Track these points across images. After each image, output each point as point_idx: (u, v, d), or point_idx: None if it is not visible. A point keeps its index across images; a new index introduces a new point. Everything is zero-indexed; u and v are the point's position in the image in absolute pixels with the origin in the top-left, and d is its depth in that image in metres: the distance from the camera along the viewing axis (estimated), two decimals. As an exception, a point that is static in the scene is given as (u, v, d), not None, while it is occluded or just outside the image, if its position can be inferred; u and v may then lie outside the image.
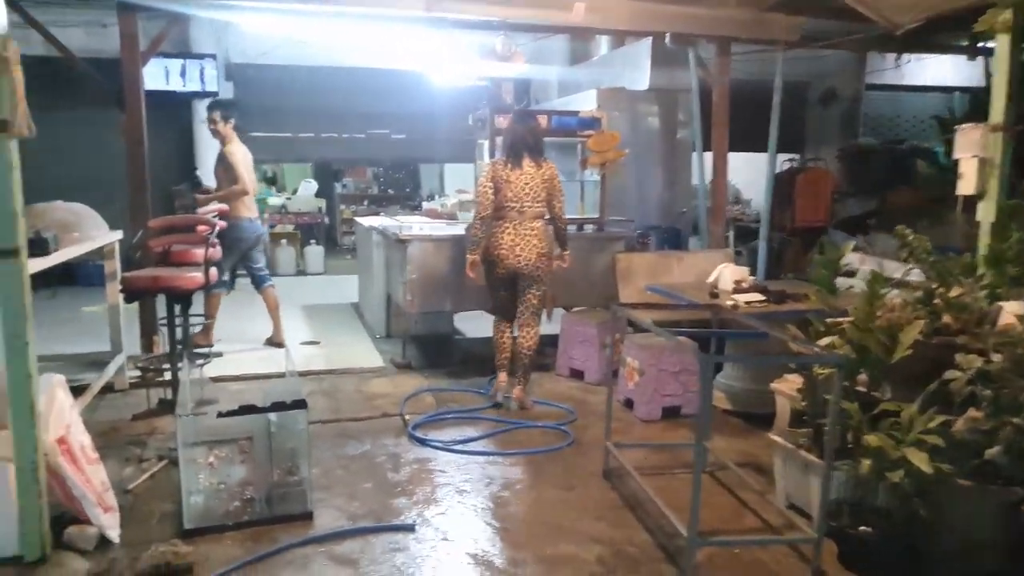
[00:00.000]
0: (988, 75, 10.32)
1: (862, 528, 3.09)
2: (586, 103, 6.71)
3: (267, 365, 5.63)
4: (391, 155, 11.02)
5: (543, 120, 5.72)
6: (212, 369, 5.23)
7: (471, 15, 5.30)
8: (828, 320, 3.46)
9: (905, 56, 10.64)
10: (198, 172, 9.58)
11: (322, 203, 11.75)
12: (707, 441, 3.82)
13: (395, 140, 10.41)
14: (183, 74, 9.19)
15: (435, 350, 6.19)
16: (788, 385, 4.03)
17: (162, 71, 9.10)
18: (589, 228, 6.12)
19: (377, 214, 14.26)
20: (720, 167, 6.30)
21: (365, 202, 14.83)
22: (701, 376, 2.79)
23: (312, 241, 11.24)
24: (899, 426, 3.04)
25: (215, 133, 6.13)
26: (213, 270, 4.78)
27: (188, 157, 9.66)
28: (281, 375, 5.37)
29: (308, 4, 5.16)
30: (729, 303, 4.27)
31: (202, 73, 9.24)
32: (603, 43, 7.95)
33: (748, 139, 6.93)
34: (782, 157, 10.07)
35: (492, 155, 5.67)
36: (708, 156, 6.57)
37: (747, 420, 4.59)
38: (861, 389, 3.36)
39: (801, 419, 4.02)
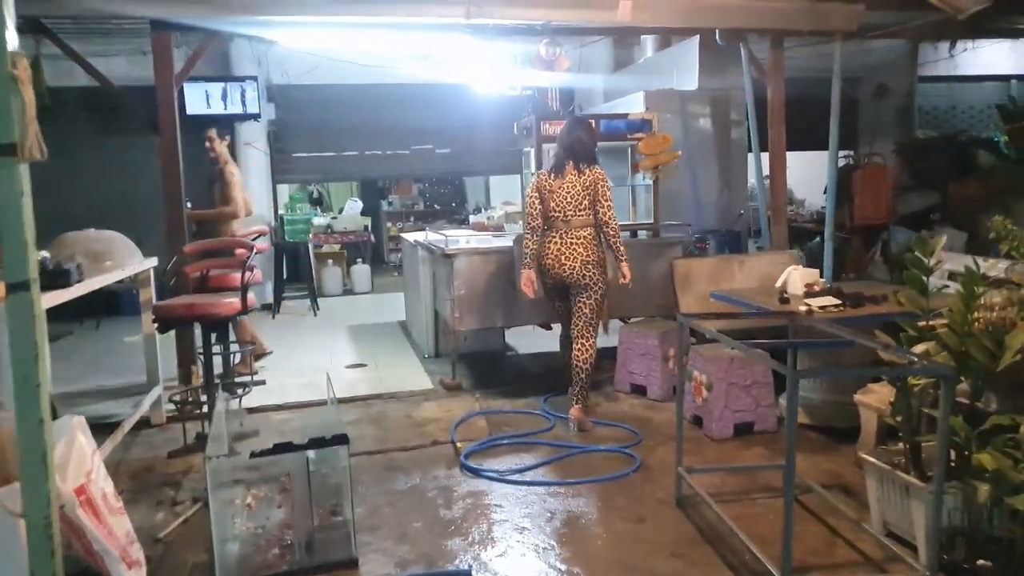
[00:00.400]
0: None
1: (980, 562, 2.72)
2: (634, 106, 6.42)
3: (311, 392, 5.44)
4: (436, 170, 10.87)
5: (593, 124, 5.45)
6: (253, 398, 5.07)
7: (513, 19, 5.06)
8: (920, 324, 3.09)
9: (960, 45, 10.15)
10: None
11: (368, 221, 11.65)
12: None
13: (439, 155, 10.24)
14: (224, 97, 9.16)
15: (486, 369, 5.94)
16: (875, 397, 3.66)
17: (203, 95, 9.09)
18: (643, 234, 5.82)
19: (423, 230, 14.26)
20: (778, 166, 5.93)
21: (411, 218, 14.72)
22: (789, 391, 2.46)
23: (358, 260, 11.13)
24: (1016, 443, 2.67)
25: (212, 152, 6.00)
26: (252, 295, 4.60)
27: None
28: (325, 403, 5.19)
29: (346, 16, 4.97)
30: (802, 308, 3.91)
31: (243, 95, 9.20)
32: (648, 46, 7.64)
33: (799, 137, 6.56)
34: (839, 154, 9.66)
35: (539, 164, 5.41)
36: (764, 156, 6.22)
37: (827, 435, 4.21)
38: (962, 400, 2.98)
39: (892, 434, 3.66)
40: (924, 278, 2.93)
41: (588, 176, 4.46)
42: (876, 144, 10.22)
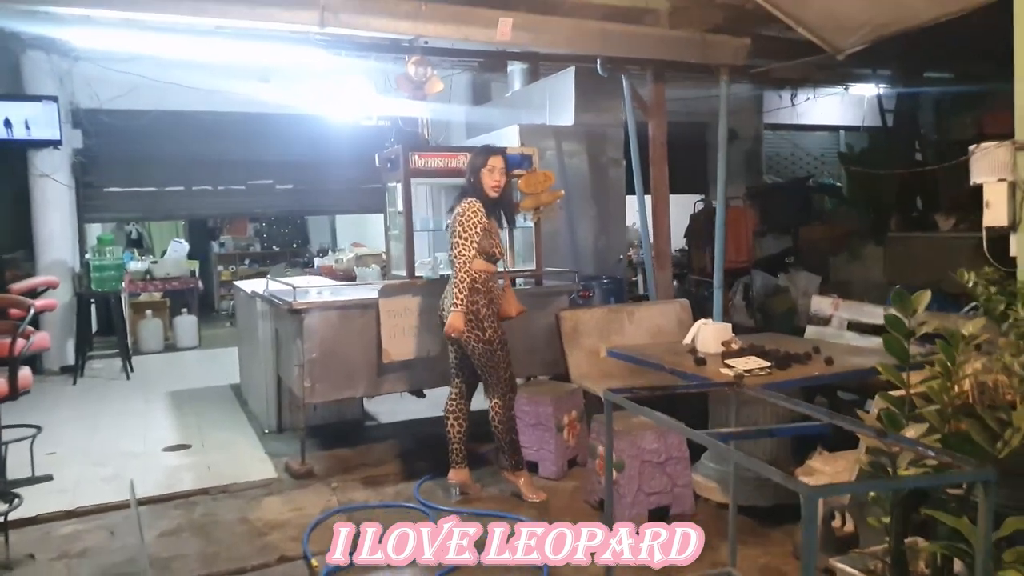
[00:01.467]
0: (883, 112, 10.39)
1: None
2: (506, 141, 5.79)
3: (116, 489, 4.26)
4: (276, 207, 9.72)
5: (464, 159, 4.74)
6: (34, 503, 3.85)
7: (376, 31, 4.27)
8: (889, 394, 2.58)
9: (802, 95, 10.56)
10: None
11: (195, 265, 10.26)
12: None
13: (281, 191, 9.15)
14: (7, 123, 7.62)
15: (343, 446, 4.98)
16: (821, 477, 3.14)
17: (-15, 116, 7.54)
18: (521, 281, 5.15)
19: (261, 275, 12.90)
20: (661, 209, 5.50)
21: (246, 261, 13.36)
22: (806, 514, 1.81)
23: (184, 310, 9.71)
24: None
25: None
26: (26, 372, 3.44)
27: (24, 218, 8.05)
28: (140, 503, 4.04)
29: (161, 14, 3.96)
30: (725, 371, 3.35)
31: (37, 120, 7.72)
32: (516, 79, 7.10)
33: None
34: (694, 198, 9.62)
35: (408, 201, 4.62)
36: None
37: (751, 516, 3.65)
38: (953, 491, 2.49)
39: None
40: (905, 343, 2.42)
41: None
42: (727, 189, 10.26)
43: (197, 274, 10.18)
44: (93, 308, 8.22)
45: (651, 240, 5.58)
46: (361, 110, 6.50)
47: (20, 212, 8.05)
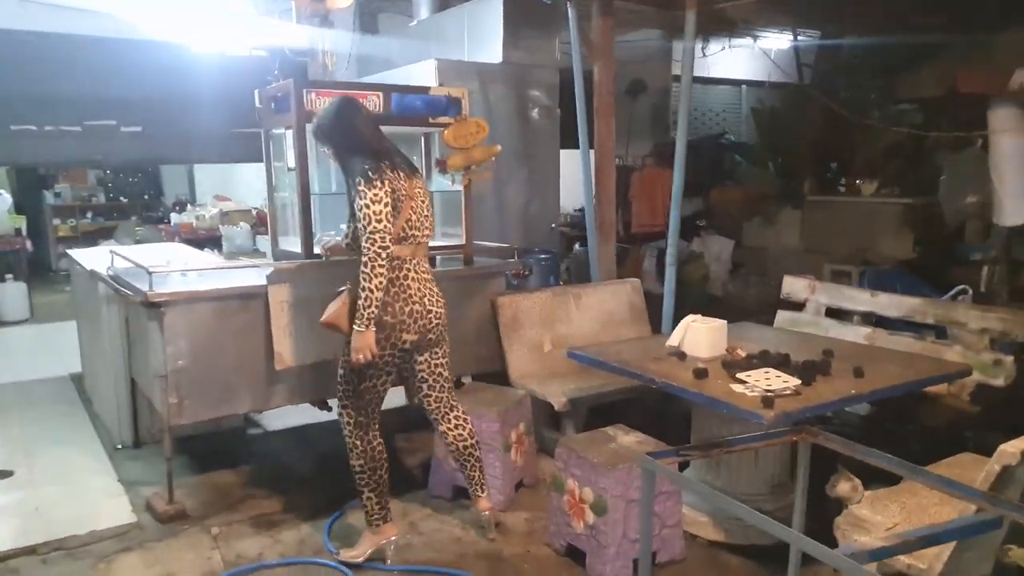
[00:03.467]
0: (800, 66, 10.00)
1: None
2: (418, 80, 4.76)
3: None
4: (120, 155, 8.10)
5: (377, 100, 3.72)
6: None
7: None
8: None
9: (715, 45, 9.98)
10: None
11: (21, 222, 8.54)
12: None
13: (125, 135, 7.59)
14: None
15: (222, 467, 3.93)
16: (871, 530, 2.48)
17: None
18: (442, 261, 4.24)
19: (109, 232, 11.10)
20: (606, 167, 4.68)
21: (89, 214, 11.52)
22: None
23: (8, 276, 8.05)
24: None
25: None
26: None
27: None
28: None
29: None
30: (743, 391, 2.61)
31: None
32: (423, 6, 5.97)
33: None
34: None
35: (302, 150, 3.55)
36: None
37: (750, 558, 3.00)
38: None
39: None
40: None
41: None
42: (632, 145, 9.64)
43: (24, 232, 8.48)
44: None
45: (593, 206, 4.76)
46: (232, 37, 5.22)
47: None
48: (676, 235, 4.45)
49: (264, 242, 8.98)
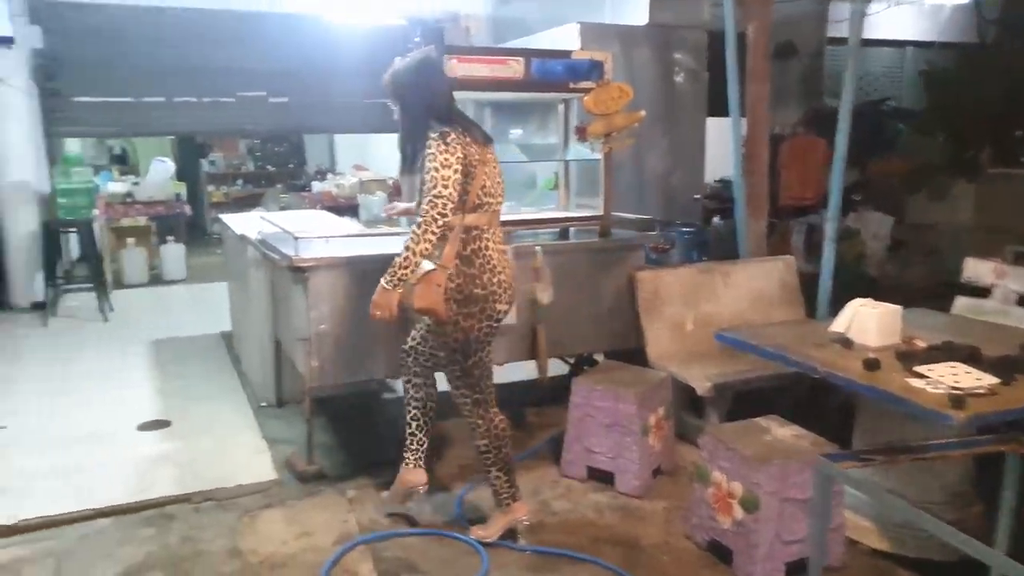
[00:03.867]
0: (982, 24, 9.01)
1: None
2: (559, 45, 4.59)
3: (75, 491, 3.32)
4: (269, 124, 8.43)
5: (517, 66, 3.60)
6: None
7: None
8: None
9: (877, 4, 9.13)
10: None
11: (181, 188, 9.11)
12: None
13: (274, 105, 7.89)
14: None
15: (358, 430, 4.01)
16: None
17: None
18: (577, 233, 4.09)
19: (256, 198, 11.68)
20: (758, 137, 4.35)
21: (239, 182, 12.20)
22: None
23: (169, 238, 8.62)
24: None
25: None
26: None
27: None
28: (103, 514, 3.12)
29: None
30: (923, 386, 2.31)
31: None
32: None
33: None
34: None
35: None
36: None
37: (919, 572, 2.70)
38: None
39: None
40: None
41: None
42: (779, 111, 9.03)
43: (184, 197, 9.04)
44: (70, 236, 7.15)
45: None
46: (374, 6, 5.24)
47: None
48: (837, 209, 4.08)
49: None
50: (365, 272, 3.36)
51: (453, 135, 2.62)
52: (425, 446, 3.08)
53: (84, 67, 7.36)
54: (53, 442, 3.88)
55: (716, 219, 7.64)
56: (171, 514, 3.18)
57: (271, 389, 4.37)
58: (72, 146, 8.67)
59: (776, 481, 2.56)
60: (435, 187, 2.56)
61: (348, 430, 4.00)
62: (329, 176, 10.62)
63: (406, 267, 2.60)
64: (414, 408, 3.08)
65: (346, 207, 9.10)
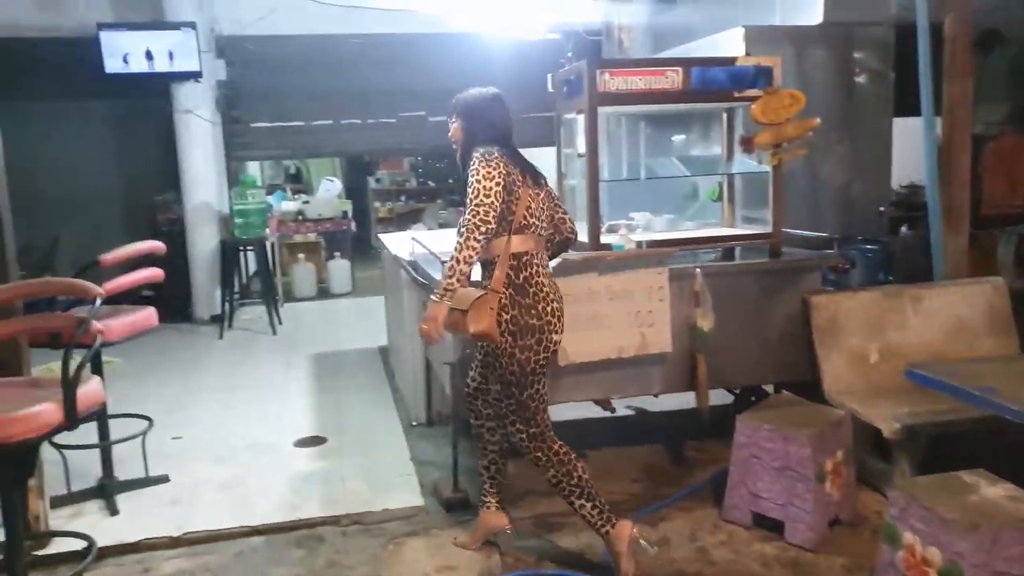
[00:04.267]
0: None
1: None
2: (721, 51, 4.28)
3: (235, 504, 3.45)
4: (429, 142, 8.65)
5: (675, 76, 3.35)
6: (139, 516, 3.17)
7: None
8: None
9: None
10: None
11: (347, 206, 9.53)
12: None
13: (432, 124, 8.07)
14: (148, 54, 6.96)
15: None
16: None
17: (125, 47, 6.92)
18: (742, 252, 3.76)
19: (418, 213, 12.05)
20: (958, 142, 3.81)
21: (402, 198, 12.62)
22: None
23: (336, 254, 9.04)
24: None
25: None
26: (95, 385, 2.52)
27: (172, 158, 7.50)
28: (258, 531, 3.20)
29: None
30: None
31: (178, 50, 7.01)
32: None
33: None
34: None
35: (592, 134, 3.32)
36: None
37: None
38: None
39: None
40: None
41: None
42: (981, 109, 8.03)
43: (350, 215, 9.45)
44: (247, 254, 7.66)
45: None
46: (526, 21, 5.17)
47: (167, 151, 7.52)
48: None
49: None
50: (512, 296, 3.26)
51: (496, 155, 2.61)
52: (504, 487, 3.06)
53: (261, 95, 7.88)
54: (218, 454, 4.07)
55: (903, 229, 6.91)
56: (320, 536, 3.20)
57: (422, 408, 4.36)
58: (251, 168, 9.32)
59: (984, 552, 2.14)
60: (476, 197, 2.53)
61: (496, 455, 3.89)
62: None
63: (451, 276, 2.55)
64: (492, 452, 3.04)
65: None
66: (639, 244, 3.33)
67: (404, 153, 11.96)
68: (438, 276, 3.31)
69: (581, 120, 3.41)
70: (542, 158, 9.06)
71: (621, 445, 3.90)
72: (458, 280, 2.55)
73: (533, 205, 2.68)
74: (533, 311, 2.62)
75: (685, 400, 3.77)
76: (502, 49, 6.95)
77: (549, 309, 2.66)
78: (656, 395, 3.59)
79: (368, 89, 8.03)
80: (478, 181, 2.54)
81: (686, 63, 3.38)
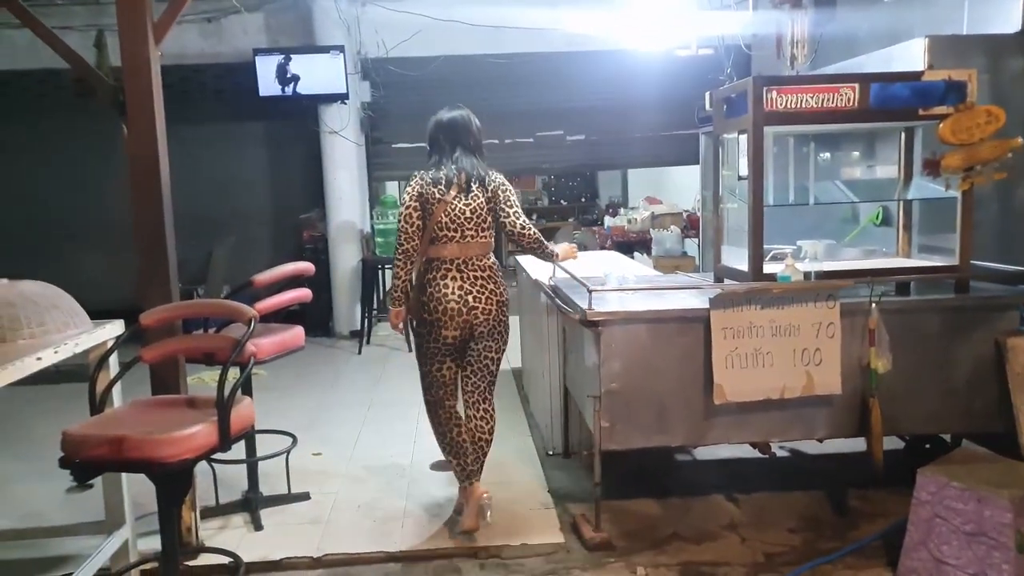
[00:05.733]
0: None
1: None
2: (900, 64, 3.92)
3: (372, 527, 3.43)
4: (567, 161, 8.55)
5: (851, 92, 3.06)
6: (282, 538, 3.18)
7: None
8: None
9: None
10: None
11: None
12: None
13: (570, 143, 7.98)
14: (296, 77, 7.26)
15: (648, 492, 3.67)
16: None
17: (277, 71, 7.26)
18: (920, 288, 3.38)
19: (548, 240, 11.94)
20: None
21: (534, 216, 12.62)
22: None
23: (469, 272, 9.07)
24: None
25: None
26: (246, 405, 2.54)
27: (316, 176, 7.79)
28: (395, 558, 3.15)
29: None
30: None
31: (326, 72, 7.29)
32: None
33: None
34: None
35: (755, 160, 3.08)
36: None
37: None
38: None
39: None
40: None
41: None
42: None
43: (483, 233, 9.49)
44: (382, 271, 7.83)
45: None
46: (675, 35, 4.96)
47: (313, 171, 7.82)
48: None
49: (692, 245, 8.73)
50: (664, 328, 3.07)
51: (416, 178, 3.31)
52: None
53: (402, 116, 8.05)
54: (356, 474, 4.08)
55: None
56: (458, 567, 3.11)
57: (559, 437, 4.21)
58: (390, 188, 9.56)
59: None
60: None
61: (637, 492, 3.68)
62: (620, 210, 10.53)
63: (393, 290, 3.30)
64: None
65: (637, 242, 8.92)
66: (806, 275, 3.05)
67: (541, 172, 11.98)
68: (581, 303, 3.17)
69: (743, 141, 3.18)
70: (683, 176, 8.78)
71: (776, 489, 3.59)
72: (400, 291, 3.24)
73: (444, 218, 3.17)
74: (426, 307, 3.21)
75: (848, 442, 3.44)
76: (648, 66, 6.77)
77: (440, 308, 3.18)
78: (821, 440, 3.28)
79: (506, 109, 8.04)
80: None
81: (864, 79, 3.09)
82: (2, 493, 3.93)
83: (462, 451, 3.31)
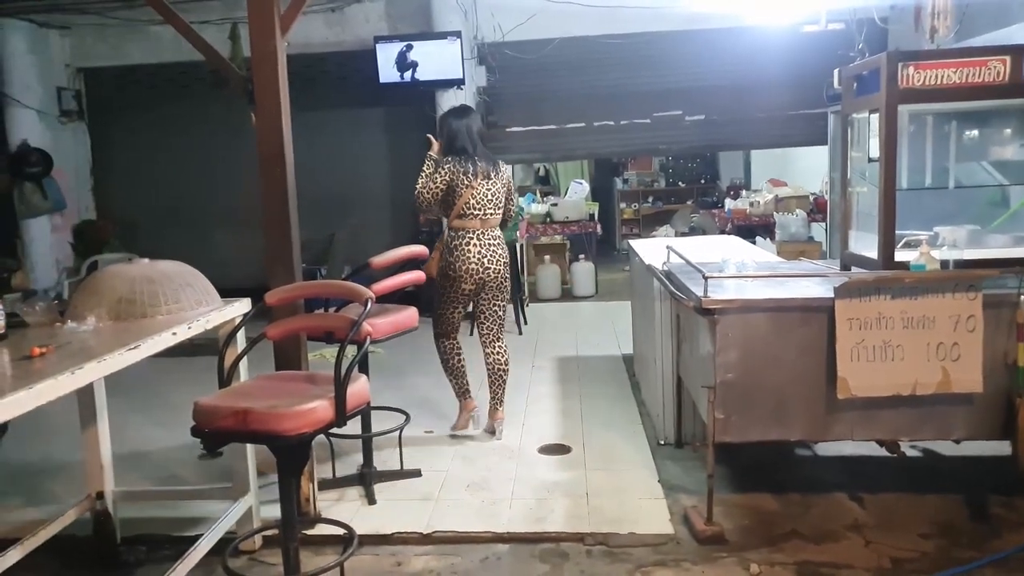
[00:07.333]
0: None
1: None
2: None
3: (481, 506, 3.48)
4: (685, 142, 8.30)
5: (1001, 66, 2.80)
6: (394, 510, 3.32)
7: None
8: None
9: None
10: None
11: (594, 208, 9.49)
12: None
13: (689, 124, 7.76)
14: (414, 64, 7.40)
15: (765, 486, 3.53)
16: None
17: (397, 58, 7.43)
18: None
19: (668, 215, 11.72)
20: None
21: (650, 199, 12.39)
22: None
23: (581, 256, 9.04)
24: None
25: None
26: (362, 384, 2.62)
27: (432, 161, 7.93)
28: (502, 539, 3.19)
29: None
30: None
31: (443, 58, 7.39)
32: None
33: None
34: None
35: (888, 141, 2.87)
36: None
37: None
38: None
39: None
40: None
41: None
42: None
43: (596, 217, 9.42)
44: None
45: None
46: (803, 9, 4.69)
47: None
48: None
49: (819, 230, 8.31)
50: (785, 318, 2.93)
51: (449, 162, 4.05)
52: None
53: (516, 100, 8.08)
54: (466, 454, 4.14)
55: None
56: (564, 552, 3.11)
57: (671, 427, 4.12)
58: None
59: None
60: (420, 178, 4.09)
61: (752, 486, 3.55)
62: (743, 193, 10.15)
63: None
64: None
65: (760, 226, 8.60)
66: (943, 264, 2.83)
67: (658, 153, 11.72)
68: (697, 289, 3.08)
69: (874, 120, 2.97)
70: (810, 158, 8.38)
71: (907, 491, 3.37)
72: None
73: (472, 200, 4.00)
74: (453, 266, 4.07)
75: (989, 445, 3.19)
76: (773, 42, 6.47)
77: (464, 268, 4.06)
78: (958, 441, 3.05)
79: (622, 90, 7.92)
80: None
81: (1017, 50, 2.81)
82: (144, 456, 4.25)
83: (460, 374, 4.36)
